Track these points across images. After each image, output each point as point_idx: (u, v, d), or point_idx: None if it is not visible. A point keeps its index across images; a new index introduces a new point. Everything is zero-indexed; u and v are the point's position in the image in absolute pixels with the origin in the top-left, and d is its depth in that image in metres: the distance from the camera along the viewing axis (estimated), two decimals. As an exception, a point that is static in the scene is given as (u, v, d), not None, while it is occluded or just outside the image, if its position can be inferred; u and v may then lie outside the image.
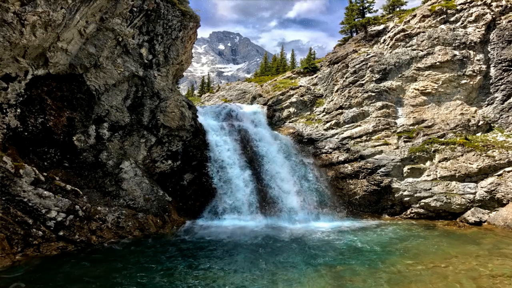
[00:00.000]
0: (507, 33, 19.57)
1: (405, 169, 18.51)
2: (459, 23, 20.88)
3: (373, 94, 20.96)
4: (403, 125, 20.04)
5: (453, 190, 17.21)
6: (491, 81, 19.78)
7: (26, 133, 12.88)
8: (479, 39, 20.02)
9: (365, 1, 29.96)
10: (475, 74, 19.72)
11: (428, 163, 18.27)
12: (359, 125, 20.84)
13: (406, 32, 21.55)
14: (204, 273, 8.80)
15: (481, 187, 16.82)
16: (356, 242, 12.37)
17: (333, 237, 13.18)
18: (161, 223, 14.60)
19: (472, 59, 19.92)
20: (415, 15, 22.42)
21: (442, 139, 18.51)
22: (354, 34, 29.02)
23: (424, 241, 12.65)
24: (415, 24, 21.89)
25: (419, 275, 8.78)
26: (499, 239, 13.08)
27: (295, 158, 20.22)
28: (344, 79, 22.70)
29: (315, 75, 26.60)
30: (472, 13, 20.57)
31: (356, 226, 15.73)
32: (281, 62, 48.55)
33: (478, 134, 19.03)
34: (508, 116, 19.04)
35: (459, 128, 18.99)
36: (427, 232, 14.65)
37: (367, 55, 22.18)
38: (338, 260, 10.12)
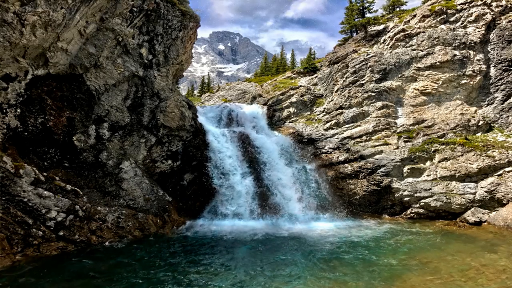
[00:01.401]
0: (507, 33, 19.57)
1: (405, 169, 18.50)
2: (459, 23, 20.88)
3: (373, 94, 20.95)
4: (403, 125, 20.04)
5: (453, 190, 17.21)
6: (491, 81, 19.78)
7: (26, 133, 12.88)
8: (479, 39, 20.02)
9: (365, 1, 29.96)
10: (475, 74, 19.72)
11: (428, 163, 18.27)
12: (359, 125, 20.83)
13: (406, 32, 21.55)
14: (202, 285, 8.43)
15: (481, 187, 16.82)
16: (371, 255, 11.14)
17: (343, 248, 12.03)
18: (161, 223, 14.60)
19: (472, 59, 19.92)
20: (415, 15, 22.41)
21: (442, 139, 18.51)
22: (354, 34, 29.02)
23: (440, 253, 11.44)
24: (415, 24, 21.89)
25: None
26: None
27: (295, 156, 20.23)
28: (344, 79, 22.70)
29: (315, 75, 26.60)
30: (472, 13, 20.57)
31: (358, 227, 15.54)
32: (281, 62, 48.53)
33: (478, 134, 19.03)
34: (508, 116, 19.04)
35: (459, 128, 18.99)
36: (435, 236, 13.92)
37: (367, 55, 22.17)
38: (350, 276, 9.11)
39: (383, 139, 19.79)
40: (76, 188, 12.72)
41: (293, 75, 28.66)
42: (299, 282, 8.58)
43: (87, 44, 14.11)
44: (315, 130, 22.17)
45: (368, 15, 29.53)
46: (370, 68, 21.46)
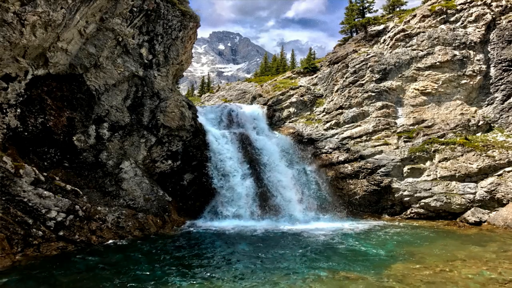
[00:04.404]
0: (507, 33, 19.57)
1: (405, 169, 18.51)
2: (459, 23, 20.88)
3: (373, 94, 20.95)
4: (403, 125, 20.04)
5: (453, 190, 17.21)
6: (491, 81, 19.78)
7: (26, 133, 12.87)
8: (479, 39, 20.02)
9: (365, 1, 29.95)
10: (475, 74, 19.72)
11: (428, 163, 18.27)
12: (359, 125, 20.83)
13: (406, 32, 21.55)
14: (202, 281, 8.36)
15: (481, 187, 16.82)
16: (359, 246, 11.86)
17: (336, 240, 12.78)
18: (161, 223, 14.60)
19: (472, 59, 19.92)
20: (415, 15, 22.42)
21: (442, 139, 18.51)
22: (354, 34, 29.01)
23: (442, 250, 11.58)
24: (415, 24, 21.89)
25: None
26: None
27: (295, 157, 20.23)
28: (344, 79, 22.70)
29: (315, 75, 26.60)
30: (472, 13, 20.57)
31: (358, 227, 15.48)
32: (281, 62, 48.53)
33: (478, 134, 19.04)
34: (508, 116, 19.04)
35: (459, 128, 18.99)
36: (437, 237, 13.99)
37: (367, 55, 22.18)
38: (342, 265, 9.77)
39: (383, 139, 19.80)
40: (76, 188, 12.72)
41: (293, 75, 28.65)
42: (296, 274, 9.00)
43: (87, 44, 14.12)
44: (315, 130, 22.18)
45: (368, 15, 29.53)
46: (370, 68, 21.46)
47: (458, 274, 8.94)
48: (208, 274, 8.99)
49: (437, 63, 20.09)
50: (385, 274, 8.89)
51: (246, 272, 9.13)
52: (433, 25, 21.24)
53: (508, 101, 19.20)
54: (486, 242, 12.55)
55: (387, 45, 22.51)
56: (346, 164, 19.89)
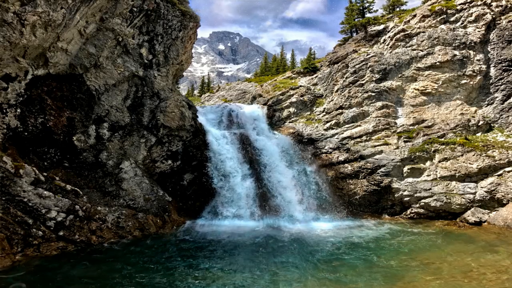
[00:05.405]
0: (507, 33, 19.57)
1: (405, 169, 18.50)
2: (459, 23, 20.88)
3: (373, 94, 20.95)
4: (403, 125, 20.04)
5: (453, 190, 17.21)
6: (491, 81, 19.78)
7: (26, 133, 12.87)
8: (479, 39, 20.02)
9: (365, 1, 29.94)
10: (475, 74, 19.72)
11: (428, 163, 18.27)
12: (359, 125, 20.83)
13: (406, 32, 21.55)
14: (200, 284, 8.22)
15: (481, 187, 16.81)
16: (368, 254, 11.20)
17: (343, 250, 12.01)
18: (161, 223, 14.60)
19: (472, 59, 19.92)
20: (415, 15, 22.41)
21: (442, 139, 18.51)
22: (354, 34, 29.00)
23: (441, 253, 11.18)
24: (415, 24, 21.89)
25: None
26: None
27: (295, 157, 20.23)
28: (344, 79, 22.69)
29: (315, 75, 26.59)
30: (472, 13, 20.57)
31: (368, 234, 14.84)
32: (281, 62, 48.53)
33: (478, 134, 19.03)
34: (508, 116, 19.03)
35: (459, 128, 18.99)
36: (436, 237, 13.80)
37: (367, 55, 22.17)
38: (350, 276, 9.10)
39: (383, 139, 19.79)
40: (76, 188, 12.72)
41: (293, 75, 28.65)
42: (300, 286, 8.46)
43: (87, 44, 14.12)
44: (315, 130, 22.17)
45: (368, 15, 29.53)
46: (370, 68, 21.46)
47: (475, 285, 8.44)
48: (207, 281, 8.60)
49: (437, 63, 20.09)
50: (397, 286, 8.36)
51: (246, 285, 8.64)
52: (433, 25, 21.24)
53: (508, 101, 19.19)
54: (497, 247, 12.14)
55: (387, 45, 22.51)
56: (346, 164, 19.88)
